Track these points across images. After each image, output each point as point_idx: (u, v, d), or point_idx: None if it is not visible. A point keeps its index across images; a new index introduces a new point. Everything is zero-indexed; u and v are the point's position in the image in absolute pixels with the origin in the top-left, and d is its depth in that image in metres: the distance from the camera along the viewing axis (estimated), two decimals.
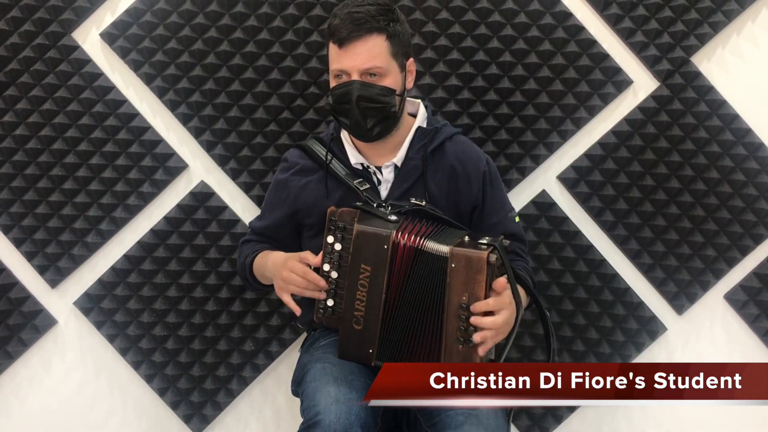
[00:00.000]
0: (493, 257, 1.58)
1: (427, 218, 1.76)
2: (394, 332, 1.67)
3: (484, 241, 1.63)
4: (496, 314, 1.58)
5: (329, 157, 1.88)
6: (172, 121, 2.31)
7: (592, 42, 2.26)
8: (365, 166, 1.89)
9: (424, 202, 1.79)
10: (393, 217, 1.69)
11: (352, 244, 1.65)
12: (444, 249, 1.61)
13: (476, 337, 1.57)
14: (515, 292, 1.63)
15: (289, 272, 1.70)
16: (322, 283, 1.68)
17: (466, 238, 1.65)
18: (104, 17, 2.26)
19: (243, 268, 1.95)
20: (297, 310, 1.74)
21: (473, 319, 1.57)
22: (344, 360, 1.71)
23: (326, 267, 1.69)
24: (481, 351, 1.59)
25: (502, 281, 1.58)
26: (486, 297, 1.58)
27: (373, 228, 1.65)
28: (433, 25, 2.25)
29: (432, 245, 1.63)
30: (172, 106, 2.29)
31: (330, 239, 1.69)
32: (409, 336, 1.67)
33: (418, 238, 1.65)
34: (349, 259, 1.65)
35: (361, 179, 1.85)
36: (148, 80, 2.28)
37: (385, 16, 1.75)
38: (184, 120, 2.30)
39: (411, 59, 1.85)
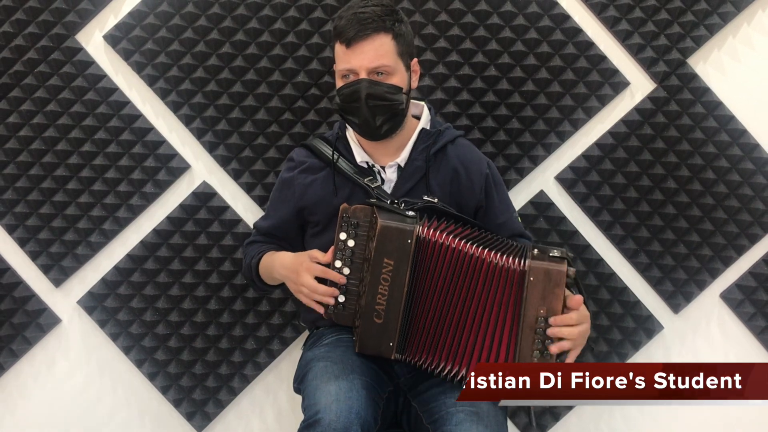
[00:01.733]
0: (572, 270, 1.61)
1: (440, 216, 1.78)
2: (423, 329, 1.70)
3: (556, 254, 1.65)
4: (575, 327, 1.61)
5: (336, 156, 1.91)
6: (175, 122, 2.33)
7: (590, 44, 2.28)
8: (370, 164, 1.91)
9: (436, 200, 1.81)
10: (410, 213, 1.71)
11: (375, 239, 1.65)
12: (520, 262, 1.64)
13: (553, 348, 1.60)
14: (586, 305, 1.66)
15: (305, 275, 1.72)
16: (342, 280, 1.70)
17: (536, 251, 1.66)
18: (107, 19, 2.28)
19: (249, 269, 1.97)
20: (320, 309, 1.74)
21: (552, 331, 1.60)
22: (363, 354, 1.72)
23: (338, 264, 1.71)
24: (570, 361, 1.63)
25: (578, 299, 1.62)
26: (563, 311, 1.61)
27: (397, 223, 1.67)
28: (433, 28, 2.27)
29: (503, 257, 1.66)
30: (175, 108, 2.31)
31: (343, 236, 1.70)
32: (450, 336, 1.69)
33: (466, 243, 1.67)
34: (372, 254, 1.66)
35: (370, 177, 1.87)
36: (150, 82, 2.29)
37: (390, 16, 1.77)
38: (187, 121, 2.32)
39: (415, 59, 1.88)
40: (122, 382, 2.43)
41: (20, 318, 2.35)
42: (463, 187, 1.91)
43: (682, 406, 2.40)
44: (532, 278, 1.61)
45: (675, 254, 2.35)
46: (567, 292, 1.63)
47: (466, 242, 1.68)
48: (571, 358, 1.64)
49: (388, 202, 1.78)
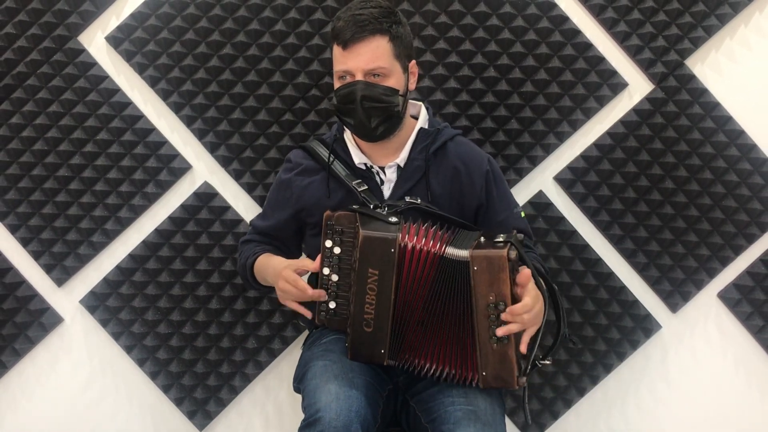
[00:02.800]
0: (513, 253, 1.60)
1: (424, 215, 1.79)
2: (409, 333, 1.70)
3: (500, 239, 1.64)
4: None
5: (331, 158, 1.92)
6: (176, 122, 2.34)
7: (588, 45, 2.29)
8: (368, 166, 1.91)
9: (419, 200, 1.82)
10: (393, 219, 1.70)
11: (358, 250, 1.65)
12: (463, 253, 1.63)
13: (499, 331, 1.59)
14: (538, 283, 1.65)
15: (284, 283, 1.73)
16: (314, 294, 1.70)
17: (482, 239, 1.66)
18: (109, 21, 2.30)
19: (244, 269, 1.98)
20: (308, 314, 1.76)
21: (504, 316, 1.58)
22: (355, 360, 1.73)
23: (326, 270, 1.71)
24: (523, 347, 1.62)
25: (526, 273, 1.61)
26: (511, 293, 1.60)
27: (379, 232, 1.66)
28: (433, 29, 2.29)
29: (450, 250, 1.65)
30: (176, 108, 2.32)
31: (328, 243, 1.70)
32: (429, 337, 1.70)
33: (433, 242, 1.67)
34: (357, 265, 1.66)
35: (359, 180, 1.88)
36: (152, 83, 2.31)
37: (388, 18, 1.78)
38: (188, 122, 2.33)
39: (413, 61, 1.89)
40: (124, 380, 2.44)
41: (23, 317, 2.36)
42: (464, 186, 1.91)
43: (681, 405, 2.44)
44: (475, 267, 1.60)
45: (673, 254, 2.37)
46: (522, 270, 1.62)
47: (441, 244, 1.67)
48: (524, 340, 1.62)
49: (372, 206, 1.78)
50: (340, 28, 1.76)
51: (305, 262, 1.75)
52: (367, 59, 1.76)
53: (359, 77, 1.77)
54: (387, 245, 1.66)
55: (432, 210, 1.82)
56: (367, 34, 1.75)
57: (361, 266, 1.66)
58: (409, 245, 1.67)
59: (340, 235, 1.70)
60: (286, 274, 1.73)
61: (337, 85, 1.82)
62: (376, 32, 1.76)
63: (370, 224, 1.69)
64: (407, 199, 1.82)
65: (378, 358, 1.71)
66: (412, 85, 1.90)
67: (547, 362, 1.77)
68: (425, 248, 1.67)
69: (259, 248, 1.99)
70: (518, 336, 1.63)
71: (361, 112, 1.77)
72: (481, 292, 1.61)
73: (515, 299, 1.61)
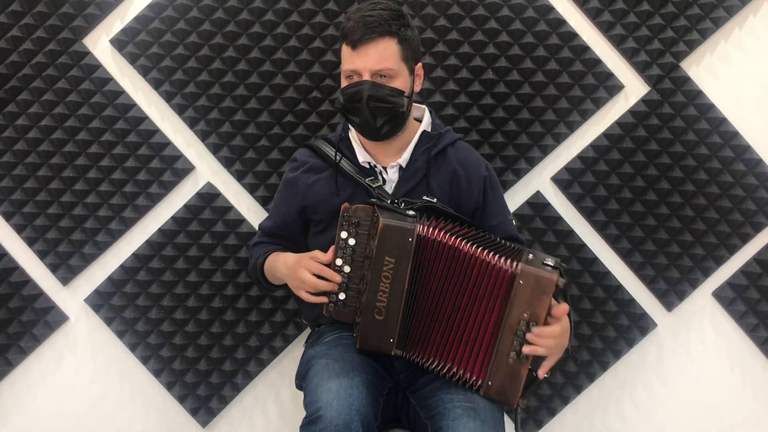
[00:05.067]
0: (562, 281, 1.63)
1: (438, 215, 1.82)
2: (420, 324, 1.74)
3: (550, 263, 1.67)
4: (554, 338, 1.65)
5: (338, 156, 1.95)
6: (180, 124, 2.37)
7: (585, 48, 2.32)
8: (372, 165, 1.94)
9: (435, 200, 1.85)
10: (410, 213, 1.74)
11: (377, 237, 1.68)
12: (511, 264, 1.66)
13: (526, 349, 1.63)
14: (570, 316, 1.69)
15: (304, 271, 1.76)
16: (338, 278, 1.74)
17: (530, 256, 1.68)
18: (114, 24, 2.32)
19: (254, 269, 2.01)
20: (324, 300, 1.79)
21: (530, 336, 1.63)
22: (364, 349, 1.76)
23: (339, 262, 1.75)
24: (542, 373, 1.67)
25: (563, 309, 1.65)
26: (546, 318, 1.63)
27: (398, 222, 1.70)
28: (432, 32, 2.31)
29: (493, 257, 1.68)
30: (180, 110, 2.35)
31: (344, 234, 1.74)
32: (442, 332, 1.73)
33: (463, 241, 1.70)
34: (374, 252, 1.69)
35: (372, 177, 1.91)
36: (156, 85, 2.33)
37: (397, 21, 1.80)
38: (191, 123, 2.36)
39: (419, 64, 1.91)
40: (128, 378, 2.47)
41: (28, 316, 2.39)
42: (462, 189, 1.95)
43: (676, 403, 2.46)
44: (521, 281, 1.63)
45: (668, 253, 2.39)
46: (553, 301, 1.65)
47: (464, 241, 1.70)
48: (545, 367, 1.68)
49: (389, 201, 1.82)
50: (350, 29, 1.79)
51: (318, 254, 1.78)
52: (375, 60, 1.78)
53: (366, 77, 1.79)
54: (405, 234, 1.69)
55: (448, 211, 1.85)
56: (376, 36, 1.78)
57: (378, 254, 1.69)
58: (431, 238, 1.70)
59: (356, 227, 1.74)
60: (307, 263, 1.77)
61: (344, 84, 1.85)
62: (385, 34, 1.78)
63: (389, 215, 1.72)
64: (424, 197, 1.85)
65: (386, 347, 1.74)
66: (417, 87, 1.93)
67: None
68: (448, 243, 1.71)
69: (269, 248, 2.02)
70: (537, 359, 1.67)
71: (366, 112, 1.80)
72: (518, 306, 1.64)
73: (546, 325, 1.65)
